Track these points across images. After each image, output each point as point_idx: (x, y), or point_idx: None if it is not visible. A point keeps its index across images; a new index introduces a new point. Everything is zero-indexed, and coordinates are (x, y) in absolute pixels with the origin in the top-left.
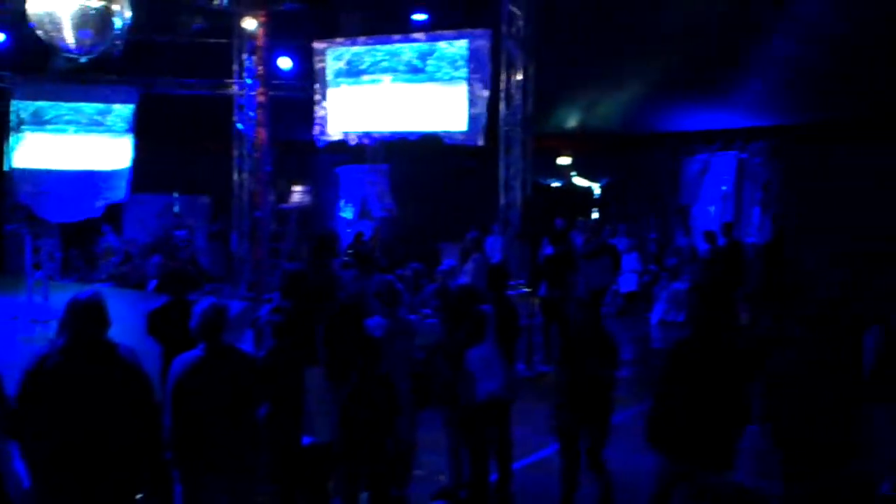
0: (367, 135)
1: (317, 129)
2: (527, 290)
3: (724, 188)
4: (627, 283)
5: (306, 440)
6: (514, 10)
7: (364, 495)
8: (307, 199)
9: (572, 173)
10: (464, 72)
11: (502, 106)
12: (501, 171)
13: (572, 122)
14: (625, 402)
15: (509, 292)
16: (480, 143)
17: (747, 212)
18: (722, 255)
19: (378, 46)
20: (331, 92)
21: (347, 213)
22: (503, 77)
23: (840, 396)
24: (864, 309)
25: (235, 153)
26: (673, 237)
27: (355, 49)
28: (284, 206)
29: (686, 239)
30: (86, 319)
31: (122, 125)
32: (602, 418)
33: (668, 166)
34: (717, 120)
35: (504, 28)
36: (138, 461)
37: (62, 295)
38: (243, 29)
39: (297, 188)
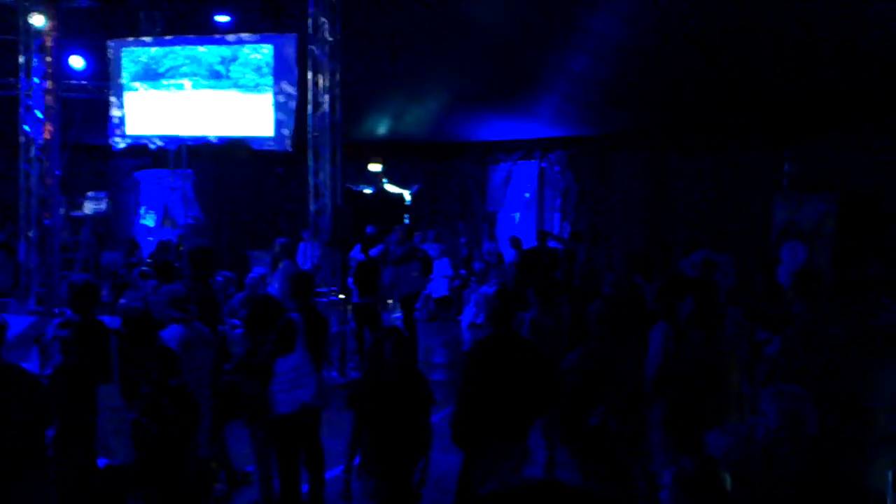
0: (168, 139)
1: (112, 133)
2: (339, 296)
3: (526, 195)
4: (439, 287)
5: (101, 462)
6: (320, 15)
7: None
8: (103, 205)
9: (383, 180)
10: (269, 78)
11: (310, 112)
12: (311, 178)
13: (382, 129)
14: (437, 405)
15: (321, 299)
16: (289, 148)
17: (549, 217)
18: (534, 258)
19: (177, 48)
20: (128, 93)
21: (149, 220)
22: (310, 83)
23: (628, 391)
24: (653, 306)
25: (21, 157)
26: (481, 242)
27: (153, 50)
28: (77, 213)
29: (492, 244)
30: None
31: None
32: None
33: (475, 174)
34: (519, 130)
35: (310, 33)
36: None
37: None
38: (30, 25)
39: (92, 194)
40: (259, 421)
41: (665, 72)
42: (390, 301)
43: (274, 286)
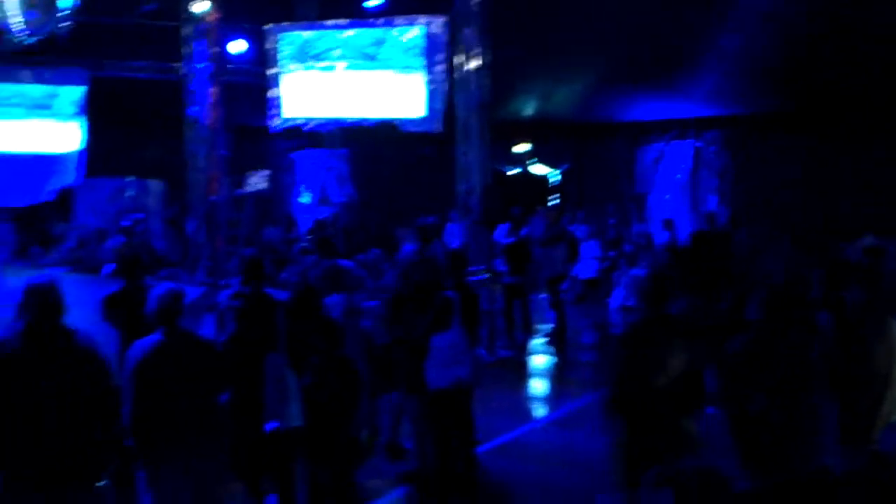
0: (323, 120)
1: (270, 114)
2: (487, 275)
3: (678, 176)
4: (587, 269)
5: (269, 426)
6: None
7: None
8: (264, 184)
9: (530, 161)
10: (420, 59)
11: (459, 93)
12: (459, 158)
13: (529, 109)
14: (585, 386)
15: (471, 278)
16: (439, 129)
17: (703, 199)
18: (702, 241)
19: (331, 32)
20: (284, 77)
21: (306, 198)
22: (459, 64)
23: (793, 381)
24: (818, 294)
25: (189, 137)
26: (630, 224)
27: (308, 34)
28: (240, 191)
29: (642, 226)
30: (41, 305)
31: (71, 108)
32: None
33: (625, 154)
34: (673, 109)
35: (459, 14)
36: (99, 447)
37: (15, 279)
38: (193, 12)
39: (254, 173)
40: (415, 396)
41: (828, 47)
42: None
43: None
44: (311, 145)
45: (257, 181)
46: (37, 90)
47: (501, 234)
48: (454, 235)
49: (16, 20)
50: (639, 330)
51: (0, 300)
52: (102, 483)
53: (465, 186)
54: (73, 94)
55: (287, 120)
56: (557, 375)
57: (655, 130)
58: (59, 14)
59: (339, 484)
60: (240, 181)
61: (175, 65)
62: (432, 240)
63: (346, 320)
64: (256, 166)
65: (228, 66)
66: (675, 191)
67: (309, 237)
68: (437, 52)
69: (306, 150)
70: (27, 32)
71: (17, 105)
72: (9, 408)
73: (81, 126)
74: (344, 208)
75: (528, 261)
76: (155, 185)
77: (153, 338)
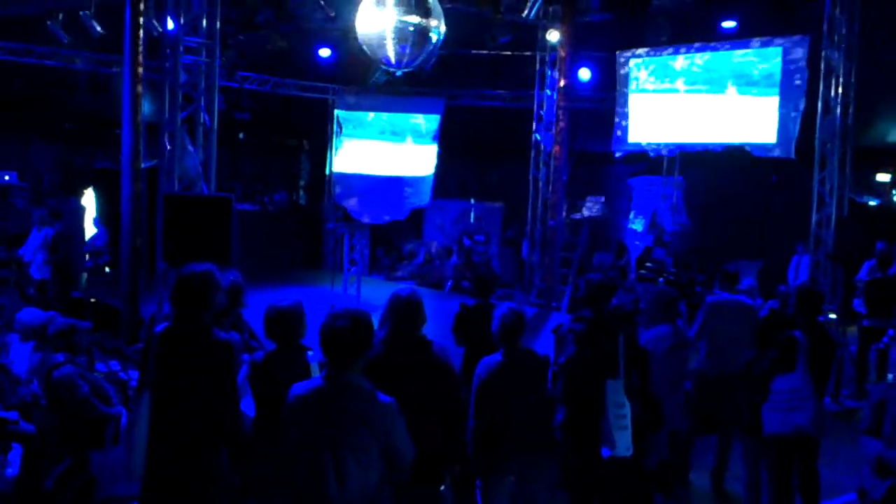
0: (668, 146)
1: (615, 140)
2: (834, 316)
3: None
4: None
5: (605, 452)
6: (837, 15)
7: None
8: (599, 209)
9: (893, 191)
10: (776, 80)
11: (819, 117)
12: (815, 187)
13: (894, 135)
14: None
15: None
16: (791, 155)
17: None
18: None
19: (683, 55)
20: (632, 102)
21: (637, 225)
22: (821, 86)
23: None
24: None
25: (532, 163)
26: None
27: (660, 58)
28: (576, 215)
29: None
30: (405, 315)
31: (429, 135)
32: None
33: None
34: None
35: (825, 34)
36: (443, 453)
37: (370, 289)
38: (547, 41)
39: (591, 198)
40: (750, 438)
41: None
42: None
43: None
44: (649, 171)
45: (593, 206)
46: (402, 117)
47: (865, 271)
48: (800, 270)
49: (391, 54)
50: None
51: (357, 306)
52: (443, 488)
53: (818, 217)
54: (431, 122)
55: (632, 145)
56: None
57: None
58: (428, 48)
59: None
60: (577, 205)
61: (525, 93)
62: None
63: (667, 348)
64: (593, 191)
65: (574, 93)
66: None
67: (651, 265)
68: (794, 75)
69: (643, 176)
70: (398, 65)
71: (382, 131)
72: None
73: (436, 151)
74: (676, 237)
75: (893, 303)
76: (496, 207)
77: (496, 357)
